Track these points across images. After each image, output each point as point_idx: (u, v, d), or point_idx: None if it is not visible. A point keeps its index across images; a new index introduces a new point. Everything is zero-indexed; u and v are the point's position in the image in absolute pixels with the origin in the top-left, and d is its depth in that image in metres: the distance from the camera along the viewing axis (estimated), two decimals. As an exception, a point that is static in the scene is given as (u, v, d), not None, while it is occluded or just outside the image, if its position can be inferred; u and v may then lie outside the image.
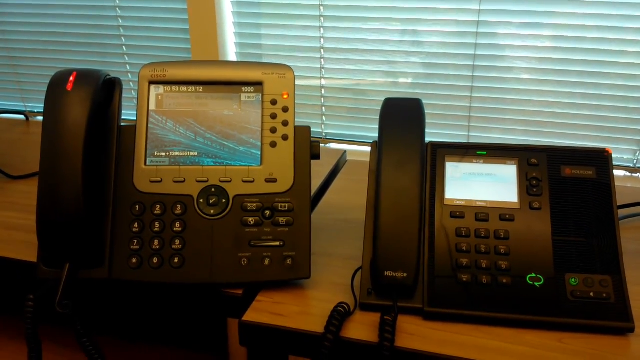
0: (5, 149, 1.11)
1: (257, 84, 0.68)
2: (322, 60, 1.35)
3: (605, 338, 0.58)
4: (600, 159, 0.67)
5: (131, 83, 1.50)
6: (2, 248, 0.75)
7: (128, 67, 1.53)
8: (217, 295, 0.66)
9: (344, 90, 1.38)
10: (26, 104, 1.69)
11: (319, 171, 0.96)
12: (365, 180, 0.70)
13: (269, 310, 0.63)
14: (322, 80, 1.37)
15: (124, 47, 1.51)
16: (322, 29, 1.32)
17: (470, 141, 1.32)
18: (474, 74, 1.25)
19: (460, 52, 1.25)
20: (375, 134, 1.35)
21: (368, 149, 1.37)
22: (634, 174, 1.23)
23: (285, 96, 0.68)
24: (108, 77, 0.69)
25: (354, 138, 1.42)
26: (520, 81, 1.24)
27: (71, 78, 0.64)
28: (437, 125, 1.32)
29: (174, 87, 0.68)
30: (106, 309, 0.74)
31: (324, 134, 1.44)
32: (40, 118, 1.59)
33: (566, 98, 1.23)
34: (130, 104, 1.45)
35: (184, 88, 0.68)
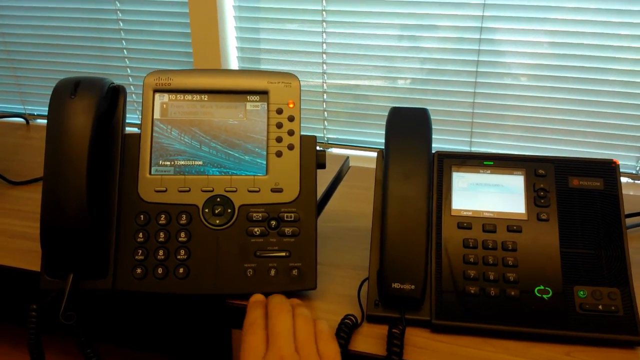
0: (5, 154, 1.09)
1: (263, 93, 0.68)
2: (325, 65, 1.35)
3: (614, 351, 0.58)
4: (607, 170, 0.66)
5: (132, 87, 1.49)
6: (4, 256, 0.74)
7: (129, 71, 1.52)
8: (221, 306, 0.66)
9: (346, 95, 1.37)
10: (26, 107, 1.68)
11: (322, 178, 0.95)
12: (369, 187, 0.69)
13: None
14: (324, 85, 1.37)
15: (124, 50, 1.51)
16: (324, 34, 1.32)
17: (473, 147, 1.32)
18: (477, 80, 1.25)
19: (464, 58, 1.25)
20: (378, 139, 1.36)
21: (370, 153, 1.38)
22: (636, 181, 1.23)
23: (291, 105, 0.68)
24: (112, 84, 0.68)
25: (355, 143, 1.42)
26: (525, 87, 1.24)
27: (75, 86, 0.64)
28: (440, 131, 1.32)
29: (178, 96, 0.67)
30: (109, 318, 0.74)
31: (325, 139, 1.43)
32: (41, 121, 1.59)
33: (571, 105, 1.23)
34: (131, 107, 1.44)
35: (188, 96, 0.67)
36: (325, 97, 1.38)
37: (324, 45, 1.32)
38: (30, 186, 0.95)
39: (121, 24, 1.48)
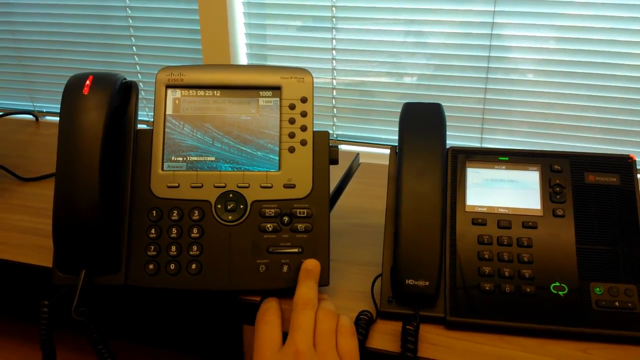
0: (15, 150, 1.10)
1: (276, 89, 0.67)
2: (334, 61, 1.34)
3: (632, 348, 0.57)
4: (624, 166, 0.66)
5: (141, 84, 1.49)
6: (15, 252, 0.74)
7: (138, 68, 1.52)
8: (234, 302, 0.65)
9: (356, 91, 1.36)
10: (35, 104, 1.68)
11: (332, 174, 0.94)
12: (380, 184, 0.69)
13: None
14: (334, 81, 1.36)
15: (134, 47, 1.50)
16: (334, 30, 1.31)
17: (484, 143, 1.31)
18: (488, 76, 1.24)
19: (475, 54, 1.24)
20: (388, 136, 1.35)
21: (380, 150, 1.37)
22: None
23: (304, 100, 0.67)
24: (124, 80, 0.68)
25: (365, 140, 1.41)
26: (537, 83, 1.23)
27: (87, 82, 0.64)
28: (451, 127, 1.31)
29: (191, 91, 0.67)
30: (121, 313, 0.74)
31: (335, 136, 1.43)
32: (50, 118, 1.59)
33: (583, 101, 1.22)
34: (140, 104, 1.44)
35: (201, 92, 0.67)
36: (334, 93, 1.37)
37: (334, 41, 1.32)
38: (41, 182, 0.95)
39: (130, 20, 1.47)
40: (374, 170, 1.02)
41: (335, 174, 0.97)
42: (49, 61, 1.60)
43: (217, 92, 0.67)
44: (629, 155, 0.66)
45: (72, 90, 0.63)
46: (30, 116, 1.34)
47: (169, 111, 0.66)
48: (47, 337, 0.63)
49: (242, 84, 0.67)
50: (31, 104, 1.68)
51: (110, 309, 0.70)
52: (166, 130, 0.66)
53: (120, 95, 0.66)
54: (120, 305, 0.72)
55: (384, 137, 1.37)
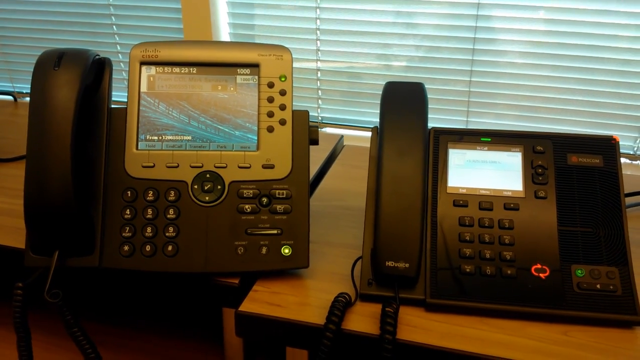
0: (-8, 131, 1.08)
1: (254, 66, 0.65)
2: (319, 42, 1.32)
3: (612, 331, 0.57)
4: (607, 147, 0.65)
5: (122, 64, 1.46)
6: (-11, 234, 0.72)
7: (118, 47, 1.49)
8: (212, 285, 0.64)
9: (340, 73, 1.35)
10: (14, 85, 1.65)
11: (315, 156, 0.94)
12: (363, 166, 0.67)
13: (266, 300, 0.61)
14: (318, 62, 1.34)
15: (114, 26, 1.47)
16: (318, 10, 1.29)
17: (469, 127, 1.30)
18: (474, 58, 1.23)
19: (461, 35, 1.23)
20: (373, 119, 1.33)
21: (365, 133, 1.36)
22: (634, 161, 1.22)
23: (283, 79, 0.65)
24: (97, 57, 0.66)
25: (350, 122, 1.40)
26: (523, 66, 1.22)
27: (59, 57, 0.61)
28: (435, 110, 1.30)
29: (166, 68, 0.65)
30: (97, 295, 0.72)
31: (319, 118, 1.41)
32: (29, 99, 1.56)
33: (569, 84, 1.21)
34: (121, 85, 1.41)
35: (176, 69, 0.65)
36: (319, 75, 1.36)
37: (318, 21, 1.30)
38: (17, 163, 0.93)
39: (111, -1, 1.44)
40: (358, 152, 1.01)
41: (319, 156, 0.96)
42: (28, 41, 1.57)
43: (194, 69, 0.65)
44: (612, 136, 0.65)
45: (43, 66, 0.61)
46: (9, 97, 1.31)
47: (144, 89, 0.65)
48: (22, 320, 0.62)
49: (220, 61, 0.65)
50: (10, 84, 1.65)
51: (86, 290, 0.69)
52: (141, 108, 0.64)
53: (93, 72, 0.64)
54: (96, 286, 0.71)
55: (370, 119, 1.36)
